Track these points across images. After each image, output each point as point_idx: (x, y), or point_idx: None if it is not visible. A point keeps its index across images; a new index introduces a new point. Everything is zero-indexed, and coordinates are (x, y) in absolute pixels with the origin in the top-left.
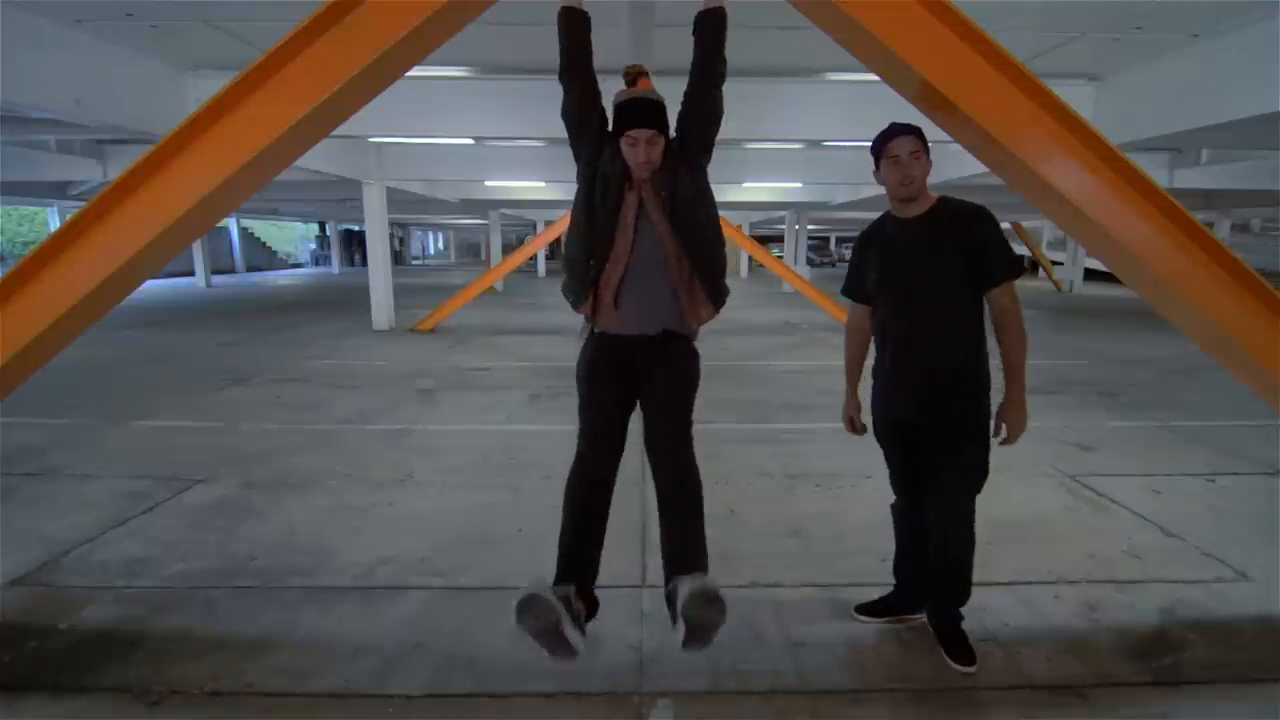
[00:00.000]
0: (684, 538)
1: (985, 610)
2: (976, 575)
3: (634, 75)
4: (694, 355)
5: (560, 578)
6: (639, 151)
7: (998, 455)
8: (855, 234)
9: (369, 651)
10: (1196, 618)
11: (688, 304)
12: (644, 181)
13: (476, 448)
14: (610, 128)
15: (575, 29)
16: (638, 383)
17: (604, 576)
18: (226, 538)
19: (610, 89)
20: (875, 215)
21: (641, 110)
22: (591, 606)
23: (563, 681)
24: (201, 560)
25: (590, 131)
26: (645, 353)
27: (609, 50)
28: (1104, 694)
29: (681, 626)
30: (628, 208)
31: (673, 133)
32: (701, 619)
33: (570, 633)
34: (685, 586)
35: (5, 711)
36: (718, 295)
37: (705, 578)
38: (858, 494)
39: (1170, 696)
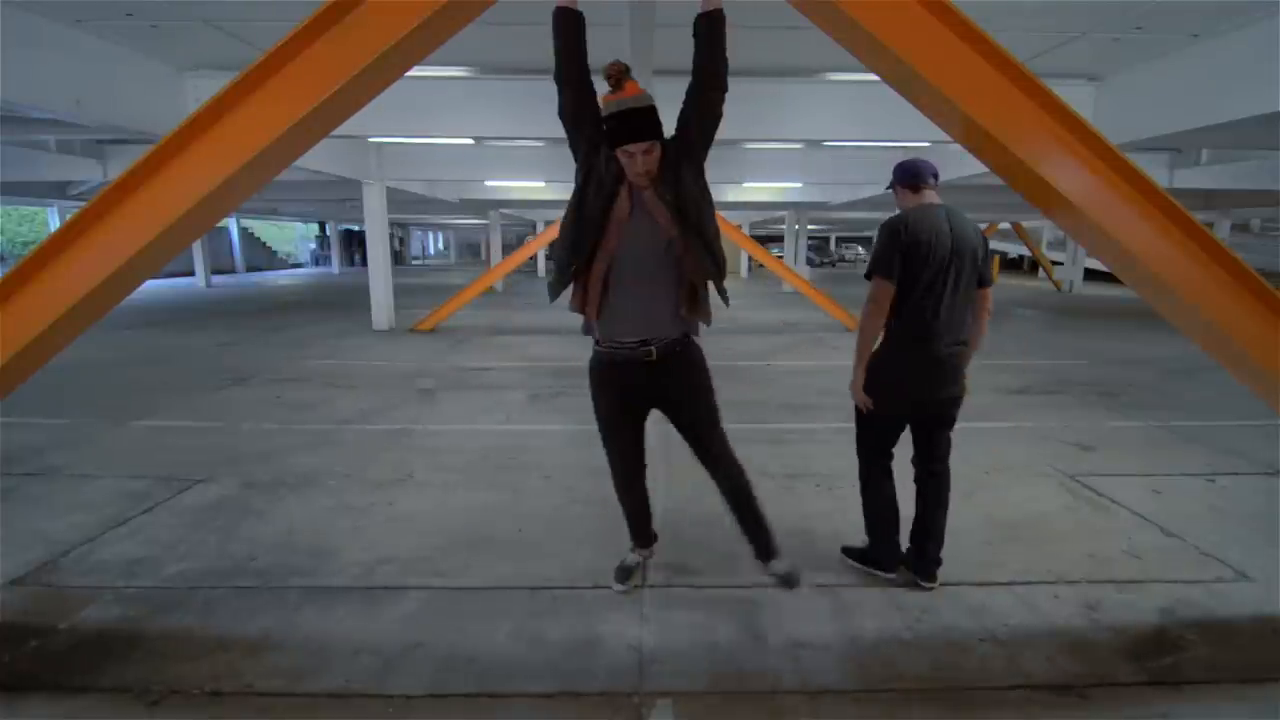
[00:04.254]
0: (751, 534)
1: (985, 610)
2: (977, 575)
3: (618, 76)
4: (698, 352)
5: (636, 542)
6: (636, 163)
7: (999, 456)
8: (855, 234)
9: (369, 651)
10: (1196, 618)
11: (695, 303)
12: (645, 188)
13: (476, 448)
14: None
15: (569, 29)
16: (652, 402)
17: (603, 577)
18: (226, 538)
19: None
20: (876, 215)
21: (635, 122)
22: (650, 542)
23: (563, 681)
24: (201, 560)
25: (585, 132)
26: (652, 374)
27: (610, 50)
28: (1104, 694)
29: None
30: (620, 208)
31: (669, 131)
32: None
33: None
34: (771, 569)
35: (5, 711)
36: (723, 292)
37: (776, 564)
38: (858, 494)
39: (1170, 696)
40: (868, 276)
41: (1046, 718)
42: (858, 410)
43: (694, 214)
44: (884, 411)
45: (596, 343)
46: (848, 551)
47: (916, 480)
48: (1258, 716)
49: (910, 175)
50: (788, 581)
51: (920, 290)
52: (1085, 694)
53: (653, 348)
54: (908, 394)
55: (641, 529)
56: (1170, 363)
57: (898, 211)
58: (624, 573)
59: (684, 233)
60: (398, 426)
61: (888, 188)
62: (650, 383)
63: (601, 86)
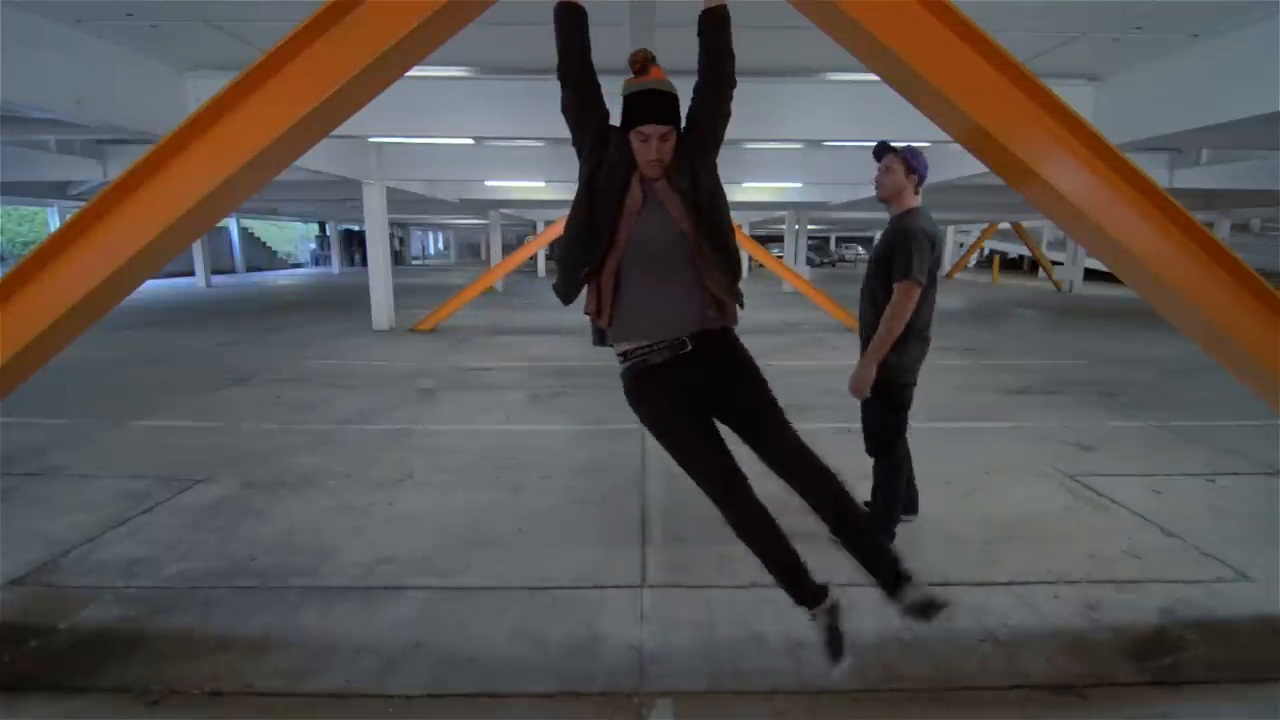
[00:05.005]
0: (870, 551)
1: (985, 610)
2: (976, 575)
3: (643, 62)
4: (739, 343)
5: (802, 603)
6: (650, 148)
7: (999, 456)
8: (855, 234)
9: (369, 651)
10: (1196, 618)
11: (713, 301)
12: (655, 178)
13: (476, 448)
14: (614, 119)
15: (572, 24)
16: (702, 401)
17: (603, 577)
18: (226, 538)
19: (611, 89)
20: (876, 215)
21: (655, 104)
22: (821, 594)
23: (563, 681)
24: (201, 560)
25: (590, 128)
26: (693, 369)
27: (610, 50)
28: (1104, 694)
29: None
30: (632, 199)
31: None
32: (928, 622)
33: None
34: (906, 600)
35: (5, 711)
36: (738, 294)
37: (909, 592)
38: (858, 492)
39: (1170, 696)
40: (899, 280)
41: (1046, 718)
42: (888, 403)
43: (708, 208)
44: (905, 397)
45: (622, 356)
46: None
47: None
48: (1258, 716)
49: (926, 175)
50: (926, 611)
51: (933, 289)
52: (1085, 694)
53: (685, 338)
54: (917, 377)
55: (790, 574)
56: (1170, 363)
57: (907, 210)
58: (831, 647)
59: (697, 225)
60: (398, 426)
61: (909, 167)
62: (694, 379)
63: (608, 85)
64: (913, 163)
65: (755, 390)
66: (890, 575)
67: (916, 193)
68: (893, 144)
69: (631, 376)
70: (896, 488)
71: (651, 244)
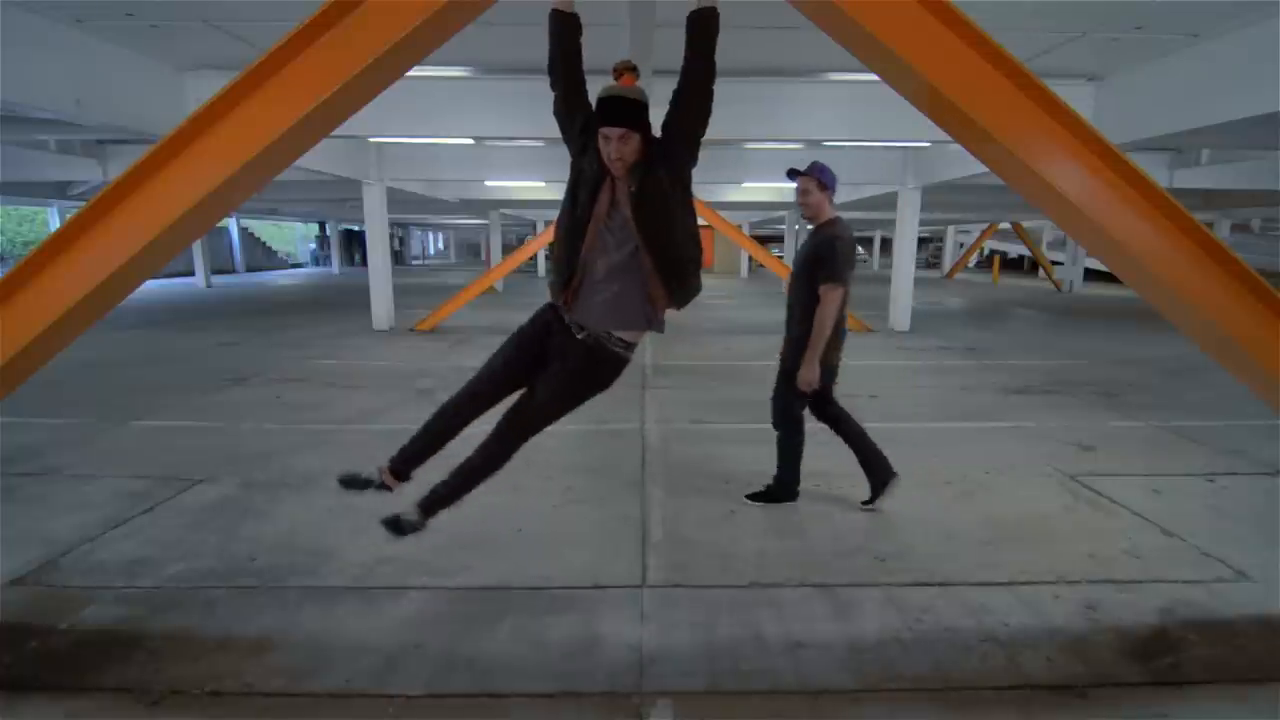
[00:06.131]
0: (451, 489)
1: (985, 610)
2: (976, 575)
3: (620, 71)
4: (612, 366)
5: (394, 467)
6: (610, 148)
7: (999, 456)
8: (854, 234)
9: (369, 651)
10: (1196, 618)
11: (650, 300)
12: (620, 178)
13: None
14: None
15: (564, 31)
16: (544, 363)
17: (603, 577)
18: (226, 538)
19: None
20: (876, 215)
21: (613, 107)
22: (400, 476)
23: (563, 681)
24: (201, 560)
25: (575, 130)
26: (565, 345)
27: (610, 50)
28: (1104, 694)
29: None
30: (601, 203)
31: (657, 131)
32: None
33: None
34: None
35: (5, 711)
36: (683, 294)
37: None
38: (857, 494)
39: (1170, 696)
40: (825, 284)
41: (1046, 718)
42: (794, 388)
43: (651, 210)
44: (819, 386)
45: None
46: (754, 497)
47: (836, 428)
48: (1258, 716)
49: (835, 186)
50: (397, 526)
51: (849, 290)
52: (1085, 694)
53: (587, 331)
54: (836, 366)
55: (417, 452)
56: (1170, 363)
57: (828, 220)
58: (355, 481)
59: (642, 228)
60: (398, 427)
61: (821, 184)
62: (556, 349)
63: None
64: (823, 179)
65: (557, 386)
66: (436, 499)
67: (832, 204)
68: (799, 168)
69: (547, 309)
70: (792, 456)
71: (611, 247)
